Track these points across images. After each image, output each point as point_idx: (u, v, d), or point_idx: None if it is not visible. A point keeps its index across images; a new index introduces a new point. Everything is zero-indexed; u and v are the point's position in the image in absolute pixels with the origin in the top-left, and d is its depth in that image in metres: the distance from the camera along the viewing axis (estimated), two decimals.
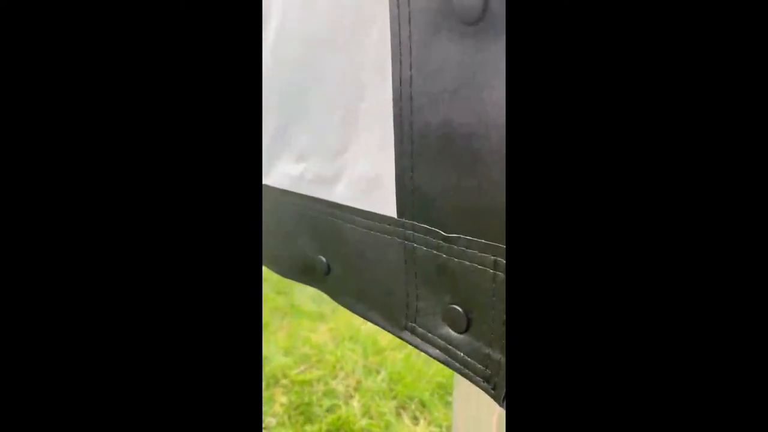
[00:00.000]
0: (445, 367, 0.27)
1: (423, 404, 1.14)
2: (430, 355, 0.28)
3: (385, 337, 1.39)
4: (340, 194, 0.31)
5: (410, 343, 0.29)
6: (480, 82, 0.21)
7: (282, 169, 0.37)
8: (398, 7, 0.23)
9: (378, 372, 1.28)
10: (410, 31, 0.23)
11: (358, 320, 1.48)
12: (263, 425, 1.08)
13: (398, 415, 1.12)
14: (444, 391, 1.18)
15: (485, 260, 0.23)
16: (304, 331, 1.47)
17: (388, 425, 1.07)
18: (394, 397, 1.17)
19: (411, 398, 1.16)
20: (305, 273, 0.37)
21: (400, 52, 0.24)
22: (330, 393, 1.18)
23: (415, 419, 1.10)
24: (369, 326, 1.43)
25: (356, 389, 1.20)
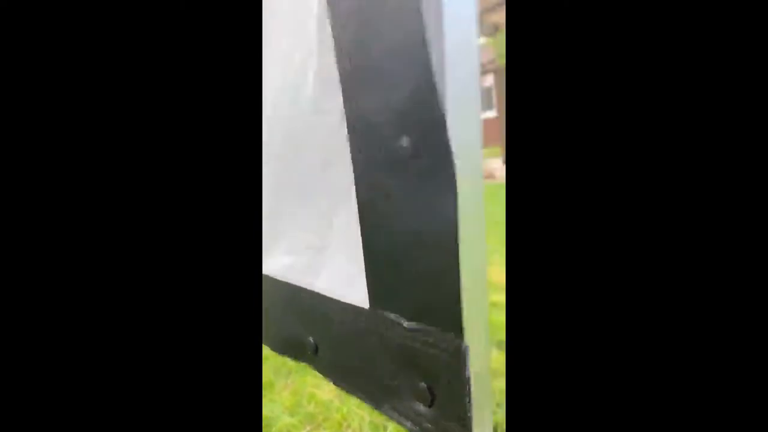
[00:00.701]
0: None
1: None
2: (406, 428, 0.32)
3: None
4: (323, 286, 0.36)
5: (389, 417, 0.33)
6: (420, 205, 0.26)
7: (275, 260, 0.42)
8: (358, 150, 0.29)
9: (385, 428, 1.27)
10: (364, 166, 0.29)
11: None
12: None
13: None
14: None
15: (442, 344, 0.28)
16: (309, 388, 1.48)
17: None
18: None
19: None
20: (298, 352, 0.42)
21: (361, 180, 0.30)
22: None
23: None
24: None
25: None
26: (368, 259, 0.31)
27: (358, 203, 0.30)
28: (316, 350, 0.39)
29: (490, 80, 7.06)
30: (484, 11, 4.76)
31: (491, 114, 7.56)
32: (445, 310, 0.26)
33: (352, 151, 0.30)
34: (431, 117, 0.23)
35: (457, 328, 0.26)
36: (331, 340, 0.37)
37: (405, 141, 0.26)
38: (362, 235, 0.31)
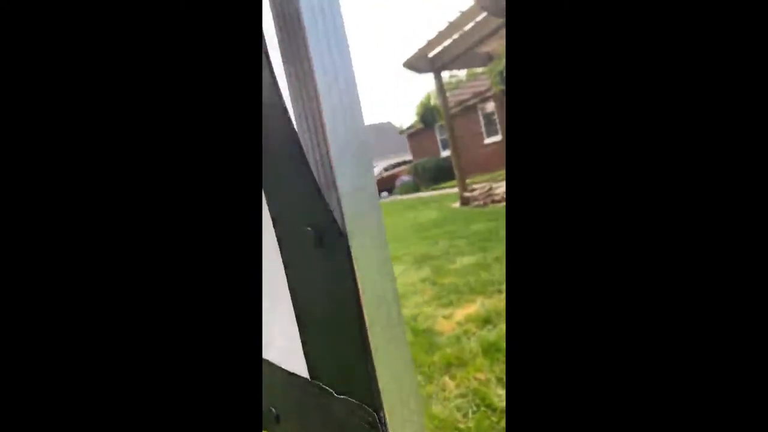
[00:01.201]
0: None
1: None
2: None
3: None
4: (274, 357, 0.39)
5: None
6: (331, 284, 0.29)
7: None
8: (280, 237, 0.33)
9: None
10: (287, 252, 0.32)
11: None
12: None
13: None
14: None
15: (362, 416, 0.30)
16: None
17: None
18: None
19: None
20: (264, 419, 0.44)
21: (288, 265, 0.33)
22: None
23: None
24: None
25: None
26: (301, 335, 0.34)
27: (288, 284, 0.33)
28: (277, 419, 0.41)
29: (491, 106, 7.20)
30: (477, 42, 4.93)
31: (497, 138, 7.65)
32: (361, 387, 0.29)
33: (277, 238, 0.33)
34: (325, 216, 0.27)
35: (375, 403, 0.28)
36: (287, 410, 0.39)
37: (310, 231, 0.29)
38: (295, 312, 0.34)
